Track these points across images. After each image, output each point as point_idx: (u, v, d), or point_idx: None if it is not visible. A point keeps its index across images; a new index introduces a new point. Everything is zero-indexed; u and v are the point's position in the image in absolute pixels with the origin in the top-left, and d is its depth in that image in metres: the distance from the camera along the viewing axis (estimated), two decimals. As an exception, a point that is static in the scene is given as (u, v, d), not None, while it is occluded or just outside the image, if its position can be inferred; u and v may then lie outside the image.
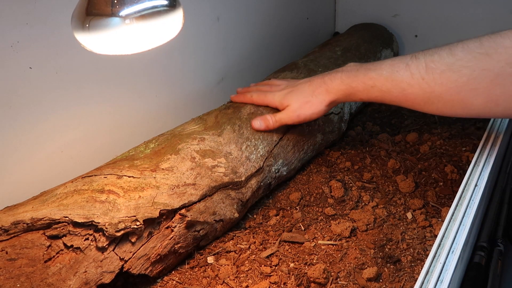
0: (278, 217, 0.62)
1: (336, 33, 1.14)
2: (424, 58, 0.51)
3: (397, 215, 0.60)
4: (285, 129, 0.68)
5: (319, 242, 0.56)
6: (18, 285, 0.41)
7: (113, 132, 0.65)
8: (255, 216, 0.63)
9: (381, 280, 0.49)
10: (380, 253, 0.53)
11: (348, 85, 0.58)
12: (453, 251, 0.36)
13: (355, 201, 0.63)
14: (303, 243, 0.56)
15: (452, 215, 0.40)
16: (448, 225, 0.39)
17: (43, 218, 0.45)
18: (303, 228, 0.59)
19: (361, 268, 0.51)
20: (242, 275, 0.51)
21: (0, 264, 0.41)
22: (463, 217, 0.40)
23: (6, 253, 0.42)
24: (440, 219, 0.57)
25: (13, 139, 0.53)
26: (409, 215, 0.60)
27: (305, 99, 0.62)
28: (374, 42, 0.96)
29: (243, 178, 0.59)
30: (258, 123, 0.63)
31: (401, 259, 0.51)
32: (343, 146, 0.81)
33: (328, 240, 0.56)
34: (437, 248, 0.36)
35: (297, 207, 0.63)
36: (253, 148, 0.62)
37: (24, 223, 0.44)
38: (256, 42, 0.91)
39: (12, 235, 0.44)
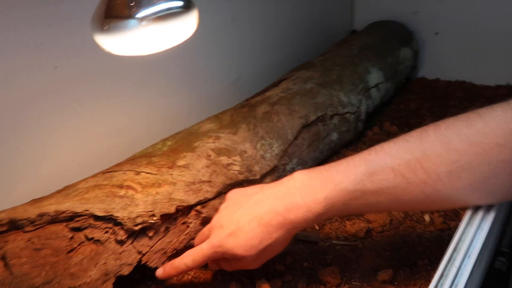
0: (292, 215, 0.62)
1: (354, 31, 1.13)
2: (412, 157, 0.40)
3: (414, 217, 0.59)
4: (300, 128, 0.68)
5: (334, 242, 0.56)
6: (43, 274, 0.42)
7: (132, 129, 0.67)
8: (270, 214, 0.63)
9: (396, 283, 0.49)
10: (396, 255, 0.53)
11: (318, 213, 0.43)
12: (469, 255, 0.36)
13: (371, 201, 0.62)
14: (318, 242, 0.57)
15: (470, 218, 0.40)
16: (465, 228, 0.39)
17: (66, 211, 0.46)
18: (317, 228, 0.59)
19: (376, 270, 0.51)
20: (255, 272, 0.51)
21: (26, 253, 0.43)
22: (481, 221, 0.40)
23: (32, 243, 0.44)
24: (459, 223, 0.56)
25: (40, 137, 0.56)
26: (426, 217, 0.59)
27: (262, 246, 0.44)
28: (393, 40, 0.95)
29: (258, 176, 0.60)
30: (210, 267, 0.51)
31: (418, 262, 0.51)
32: (359, 146, 0.80)
33: (343, 241, 0.56)
34: (452, 252, 0.36)
35: (312, 206, 0.63)
36: (267, 147, 0.63)
37: (48, 215, 0.46)
38: (272, 41, 0.91)
39: (38, 226, 0.45)
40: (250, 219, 0.45)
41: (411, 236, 0.55)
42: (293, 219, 0.43)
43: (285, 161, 0.65)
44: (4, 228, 0.44)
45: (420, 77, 1.05)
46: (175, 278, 0.53)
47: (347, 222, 0.59)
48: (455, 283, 0.33)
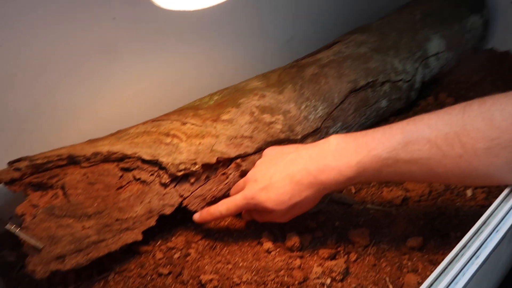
0: (330, 178, 0.63)
1: (421, -5, 1.06)
2: (451, 130, 0.39)
3: (456, 190, 0.58)
4: (348, 92, 0.67)
5: (368, 206, 0.57)
6: (95, 205, 0.48)
7: (183, 82, 0.70)
8: (308, 174, 0.65)
9: (424, 250, 0.49)
10: (429, 225, 0.52)
11: (349, 177, 0.44)
12: (497, 230, 0.35)
13: (412, 171, 0.62)
14: (352, 205, 0.57)
15: (507, 195, 0.39)
16: (499, 204, 0.38)
17: (117, 152, 0.51)
18: (354, 191, 0.60)
19: (406, 237, 0.51)
20: (287, 226, 0.54)
21: (82, 185, 0.48)
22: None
23: (87, 177, 0.49)
24: (500, 200, 0.54)
25: (100, 83, 0.60)
26: (468, 192, 0.57)
27: (292, 202, 0.46)
28: (461, 6, 0.88)
29: (299, 137, 0.61)
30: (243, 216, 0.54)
31: (450, 233, 0.51)
32: (410, 115, 0.78)
33: (377, 206, 0.57)
34: (481, 225, 0.35)
35: (351, 171, 0.64)
36: (312, 109, 0.63)
37: (102, 155, 0.51)
38: (330, 1, 0.88)
39: (92, 163, 0.50)
40: (283, 176, 0.47)
41: (449, 209, 0.54)
42: (323, 180, 0.45)
43: (329, 124, 0.65)
44: (64, 162, 0.49)
45: (488, 49, 0.98)
46: (212, 223, 0.57)
47: (384, 188, 0.59)
48: (477, 254, 0.33)
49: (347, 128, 0.68)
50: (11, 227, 0.42)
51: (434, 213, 0.54)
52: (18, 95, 0.53)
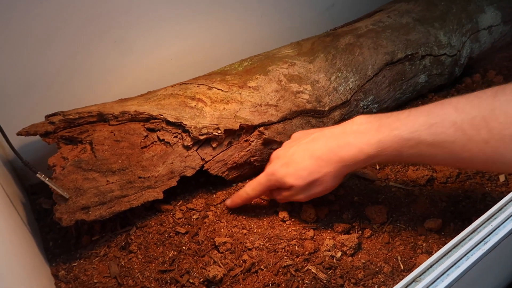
0: (356, 152, 0.62)
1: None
2: (478, 114, 0.37)
3: (487, 175, 0.55)
4: (383, 65, 0.64)
5: (391, 184, 0.56)
6: (119, 161, 0.50)
7: (216, 47, 0.70)
8: (334, 147, 0.64)
9: (442, 233, 0.48)
10: (452, 208, 0.51)
11: (369, 155, 0.43)
12: (512, 218, 0.33)
13: (443, 151, 0.59)
14: (374, 181, 0.56)
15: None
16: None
17: (143, 113, 0.53)
18: (378, 168, 0.59)
19: (425, 218, 0.50)
20: (305, 197, 0.54)
21: (108, 142, 0.51)
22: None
23: (114, 135, 0.51)
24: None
25: (133, 44, 0.62)
26: (501, 177, 0.54)
27: (311, 178, 0.46)
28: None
29: (326, 108, 0.60)
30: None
31: (473, 218, 0.48)
32: (451, 92, 0.74)
33: (400, 184, 0.55)
34: (496, 211, 0.34)
35: (379, 146, 0.62)
36: (342, 80, 0.61)
37: (129, 114, 0.53)
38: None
39: (120, 122, 0.53)
40: (304, 152, 0.47)
41: (476, 193, 0.52)
42: (343, 155, 0.44)
43: (359, 97, 0.63)
44: (94, 119, 0.52)
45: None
46: (233, 187, 0.58)
47: (410, 167, 0.57)
48: (486, 240, 0.31)
49: (379, 102, 0.65)
50: (41, 176, 0.45)
51: (459, 196, 0.52)
52: (58, 54, 0.56)
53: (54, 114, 0.52)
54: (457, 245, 0.31)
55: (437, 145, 0.39)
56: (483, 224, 0.33)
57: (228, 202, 0.54)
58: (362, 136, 0.44)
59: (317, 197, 0.48)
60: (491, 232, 0.32)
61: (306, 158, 0.46)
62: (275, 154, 0.51)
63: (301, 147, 0.48)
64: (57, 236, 0.53)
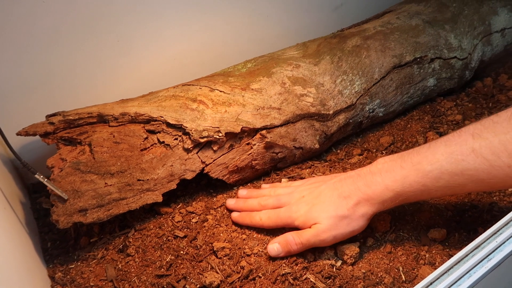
0: (361, 156, 0.61)
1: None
2: (495, 139, 0.37)
3: (496, 183, 0.53)
4: (390, 68, 0.63)
5: (395, 190, 0.54)
6: (118, 164, 0.50)
7: (221, 47, 0.69)
8: (338, 151, 0.63)
9: (446, 244, 0.46)
10: (457, 218, 0.49)
11: (396, 192, 0.42)
12: (523, 233, 0.32)
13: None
14: (378, 188, 0.55)
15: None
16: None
17: (144, 114, 0.52)
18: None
19: (430, 227, 0.48)
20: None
21: (108, 144, 0.50)
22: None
23: (113, 136, 0.51)
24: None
25: (136, 43, 0.61)
26: None
27: (340, 214, 0.44)
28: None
29: (330, 112, 0.59)
30: (275, 248, 0.46)
31: (478, 229, 0.47)
32: (461, 97, 0.72)
33: (405, 191, 0.54)
34: (502, 225, 0.32)
35: (384, 151, 0.61)
36: (348, 83, 0.60)
37: (129, 115, 0.52)
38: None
39: (120, 123, 0.52)
40: (332, 192, 0.46)
41: (482, 202, 0.50)
42: (370, 194, 0.44)
43: (365, 101, 0.62)
44: (94, 120, 0.52)
45: None
46: (234, 191, 0.57)
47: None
48: (490, 256, 0.30)
49: (386, 106, 0.64)
50: (39, 176, 0.45)
51: (465, 205, 0.50)
52: (60, 53, 0.55)
53: (54, 114, 0.52)
54: (459, 262, 0.30)
55: (460, 174, 0.39)
56: (487, 239, 0.31)
57: (235, 215, 0.52)
58: (388, 174, 0.43)
59: (342, 240, 0.46)
60: (496, 249, 0.30)
61: (334, 197, 0.46)
62: (299, 192, 0.49)
63: (329, 186, 0.47)
64: (55, 237, 0.53)
